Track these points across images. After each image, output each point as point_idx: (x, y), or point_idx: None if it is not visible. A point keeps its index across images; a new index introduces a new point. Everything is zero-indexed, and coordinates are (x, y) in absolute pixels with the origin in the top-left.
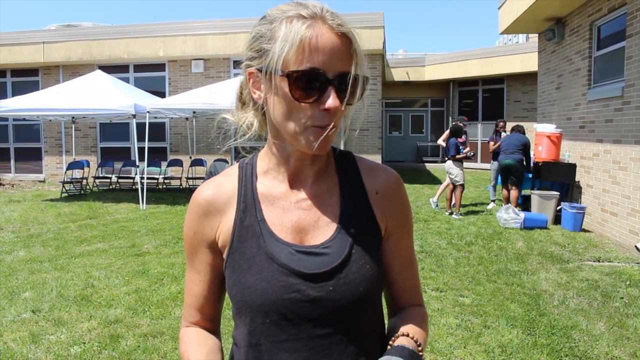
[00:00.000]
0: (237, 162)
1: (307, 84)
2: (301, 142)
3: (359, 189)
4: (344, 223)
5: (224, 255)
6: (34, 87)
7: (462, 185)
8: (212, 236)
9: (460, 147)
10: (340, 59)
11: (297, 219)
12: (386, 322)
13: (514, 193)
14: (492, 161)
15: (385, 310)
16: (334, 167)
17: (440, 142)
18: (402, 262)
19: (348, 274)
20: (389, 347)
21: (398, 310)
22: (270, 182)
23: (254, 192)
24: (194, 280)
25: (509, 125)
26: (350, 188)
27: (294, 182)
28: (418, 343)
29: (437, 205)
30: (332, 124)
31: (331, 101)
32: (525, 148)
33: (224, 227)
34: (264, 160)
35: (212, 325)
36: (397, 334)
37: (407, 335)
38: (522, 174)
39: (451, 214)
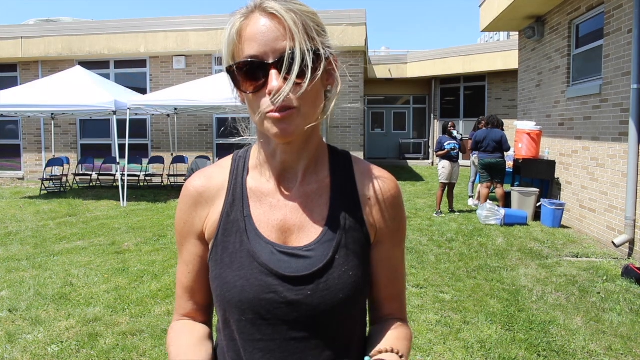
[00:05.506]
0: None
1: (246, 74)
2: (267, 133)
3: (350, 192)
4: (331, 226)
5: (209, 247)
6: (12, 82)
7: (442, 184)
8: (200, 227)
9: (445, 144)
10: (276, 40)
11: (284, 217)
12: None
13: (499, 191)
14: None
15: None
16: (328, 166)
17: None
18: (389, 273)
19: (329, 280)
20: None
21: (378, 320)
22: (260, 177)
23: (244, 187)
24: (183, 272)
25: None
26: (341, 190)
27: (283, 179)
28: None
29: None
30: (283, 106)
31: (274, 83)
32: (500, 145)
33: (211, 219)
34: (256, 154)
35: (203, 317)
36: (384, 348)
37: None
38: (505, 170)
39: (450, 212)
